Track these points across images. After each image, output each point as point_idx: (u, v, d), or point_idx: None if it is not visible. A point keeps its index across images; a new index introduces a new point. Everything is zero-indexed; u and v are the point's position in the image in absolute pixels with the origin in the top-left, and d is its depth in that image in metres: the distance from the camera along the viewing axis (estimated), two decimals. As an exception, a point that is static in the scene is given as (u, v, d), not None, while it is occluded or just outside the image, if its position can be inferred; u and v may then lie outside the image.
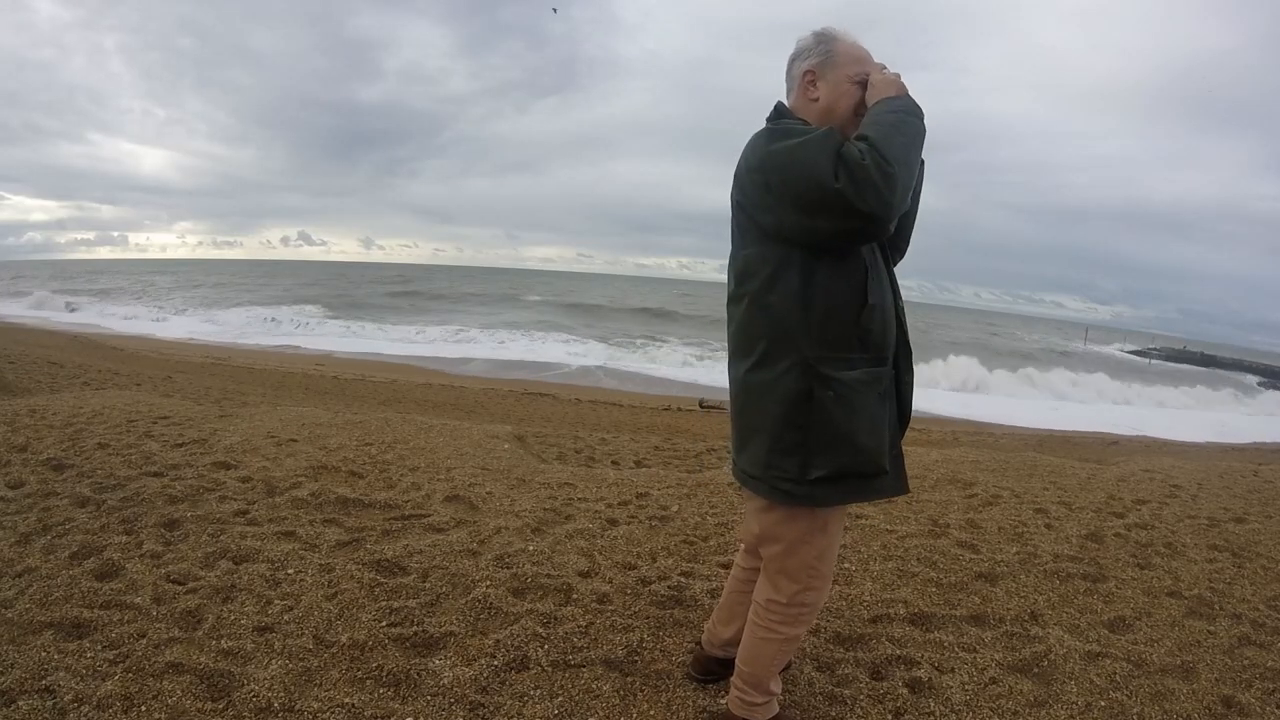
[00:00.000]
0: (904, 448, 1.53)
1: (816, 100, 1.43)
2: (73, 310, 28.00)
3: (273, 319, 26.39)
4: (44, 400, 4.93)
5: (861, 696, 1.84)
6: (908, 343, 1.50)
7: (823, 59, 1.43)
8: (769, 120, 1.45)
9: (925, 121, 1.33)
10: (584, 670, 1.88)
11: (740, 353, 1.45)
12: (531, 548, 2.66)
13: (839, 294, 1.35)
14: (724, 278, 1.51)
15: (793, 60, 1.48)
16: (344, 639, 1.94)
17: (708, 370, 18.73)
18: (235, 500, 2.96)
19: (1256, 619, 2.38)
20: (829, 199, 1.22)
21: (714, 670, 1.86)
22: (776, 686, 1.63)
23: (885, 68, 1.42)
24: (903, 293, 1.55)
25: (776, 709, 1.64)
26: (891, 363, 1.45)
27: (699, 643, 1.96)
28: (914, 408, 1.55)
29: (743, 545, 1.80)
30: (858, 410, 1.36)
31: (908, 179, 1.25)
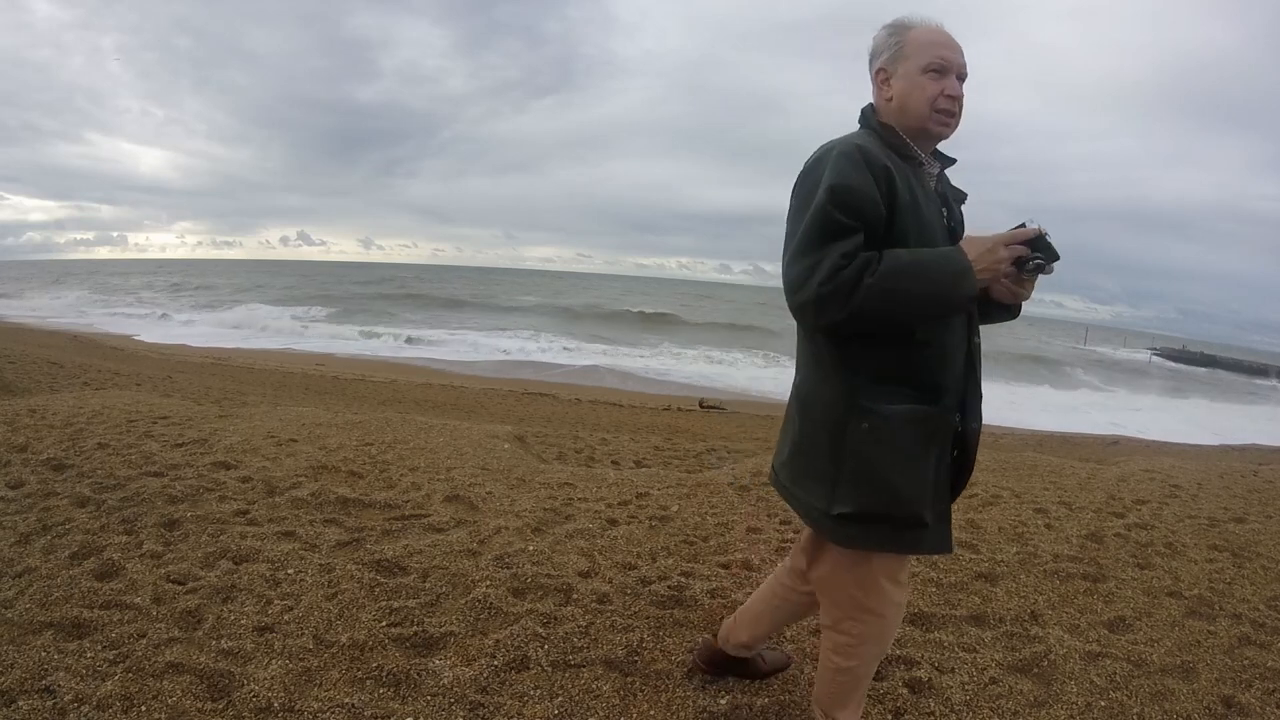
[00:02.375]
0: None
1: (891, 100, 1.33)
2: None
3: (273, 319, 26.39)
4: (44, 400, 4.93)
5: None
6: (978, 389, 1.38)
7: (893, 53, 1.33)
8: (859, 121, 1.38)
9: (951, 288, 1.21)
10: (584, 670, 1.88)
11: (797, 362, 1.44)
12: (531, 548, 2.66)
13: (891, 336, 1.28)
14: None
15: (869, 60, 1.38)
16: (344, 639, 1.94)
17: (708, 370, 18.73)
18: (235, 500, 2.96)
19: (1256, 619, 2.38)
20: (793, 266, 1.22)
21: (719, 664, 1.84)
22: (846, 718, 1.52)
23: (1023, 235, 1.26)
24: None
25: None
26: (953, 407, 1.31)
27: (713, 633, 1.92)
28: None
29: (790, 558, 1.68)
30: (895, 449, 1.25)
31: (856, 321, 1.19)
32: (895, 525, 1.28)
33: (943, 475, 1.31)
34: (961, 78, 1.30)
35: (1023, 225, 1.25)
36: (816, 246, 1.19)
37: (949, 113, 1.30)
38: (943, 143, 1.38)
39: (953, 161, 1.40)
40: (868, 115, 1.37)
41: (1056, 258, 1.24)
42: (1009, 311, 1.44)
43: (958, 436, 1.34)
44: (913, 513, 1.27)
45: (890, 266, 1.17)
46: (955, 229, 1.36)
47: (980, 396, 1.39)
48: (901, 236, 1.23)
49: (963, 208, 1.46)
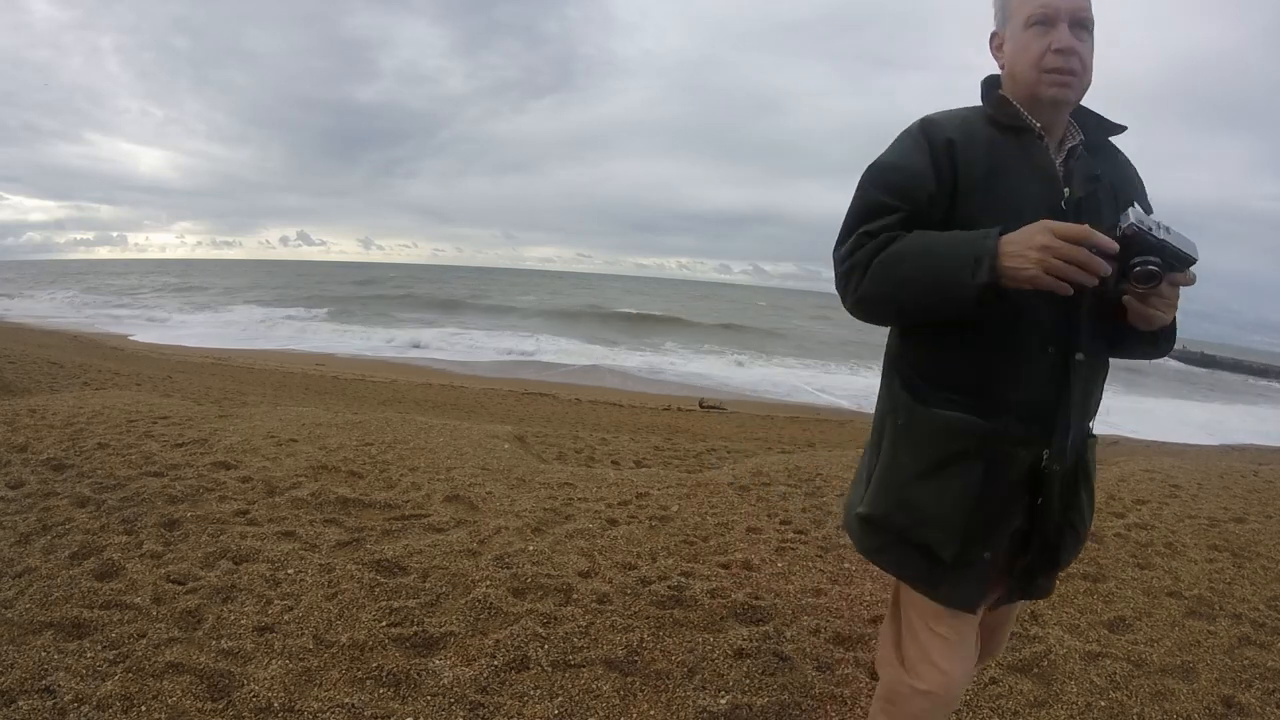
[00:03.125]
0: None
1: (1004, 67, 1.15)
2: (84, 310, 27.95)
3: (273, 320, 26.39)
4: (44, 400, 4.92)
5: (862, 696, 1.84)
6: (1079, 419, 1.09)
7: (1001, 12, 1.15)
8: (982, 91, 1.18)
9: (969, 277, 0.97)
10: (584, 670, 1.88)
11: None
12: (531, 548, 2.66)
13: (939, 328, 1.11)
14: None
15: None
16: (344, 639, 1.94)
17: (708, 370, 18.73)
18: (235, 500, 2.96)
19: (1256, 619, 2.38)
20: (835, 250, 1.13)
21: None
22: None
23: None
24: None
25: None
26: (1017, 430, 1.07)
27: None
28: None
29: None
30: (916, 455, 1.10)
31: (868, 307, 1.08)
32: (908, 545, 1.12)
33: (984, 510, 1.07)
34: (1079, 25, 1.05)
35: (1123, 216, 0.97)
36: (849, 227, 1.11)
37: (1062, 71, 1.05)
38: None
39: (1117, 129, 1.16)
40: (984, 87, 1.18)
41: (1185, 259, 0.96)
42: (1150, 342, 1.14)
43: (1033, 473, 1.08)
44: (924, 537, 1.09)
45: (899, 247, 1.03)
46: (1083, 212, 1.05)
47: (1081, 431, 1.10)
48: (967, 218, 1.05)
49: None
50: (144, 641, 1.85)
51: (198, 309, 30.17)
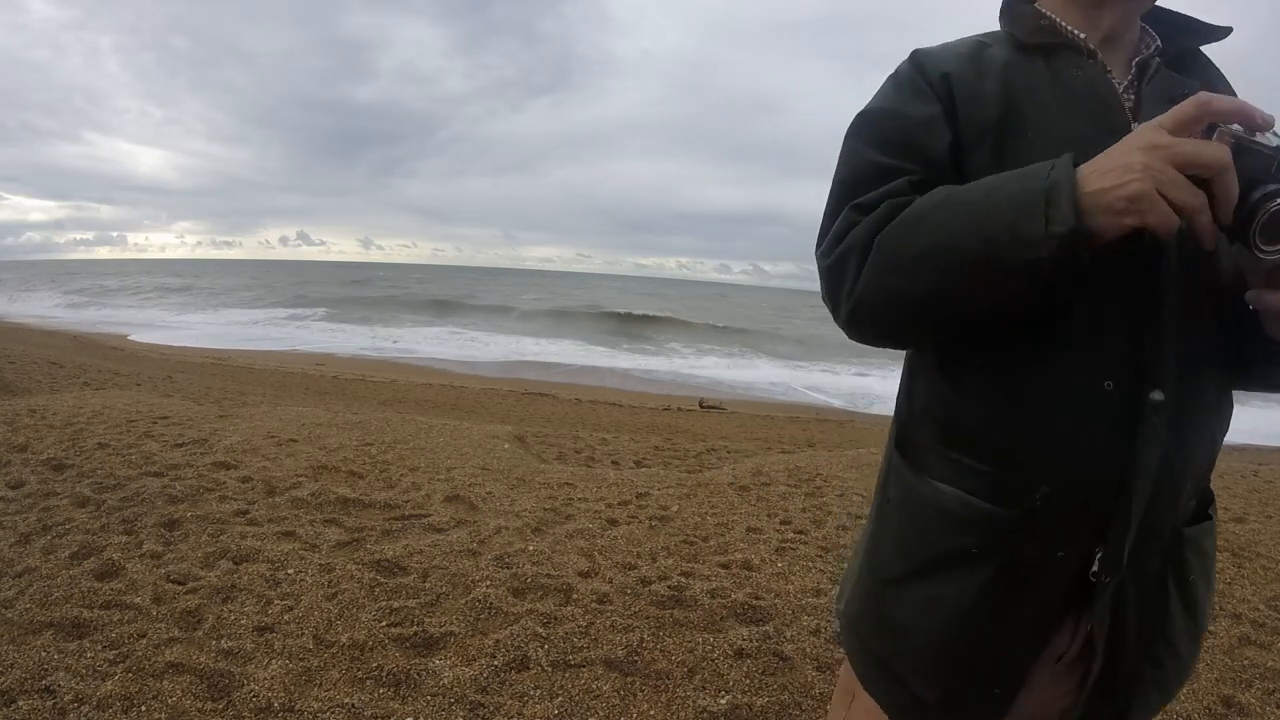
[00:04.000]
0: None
1: None
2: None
3: (273, 320, 26.41)
4: (44, 400, 4.93)
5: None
6: (1167, 505, 0.68)
7: None
8: (1002, 5, 0.80)
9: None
10: (584, 670, 1.88)
11: None
12: (531, 548, 2.66)
13: (946, 351, 0.74)
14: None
15: None
16: (344, 639, 1.94)
17: (708, 370, 18.74)
18: (235, 500, 2.96)
19: (1256, 619, 2.38)
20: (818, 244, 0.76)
21: None
22: None
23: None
24: None
25: None
26: (1059, 513, 0.67)
27: None
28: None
29: None
30: (903, 551, 0.76)
31: (882, 305, 0.68)
32: (884, 666, 0.79)
33: (988, 639, 0.71)
34: None
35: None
36: (833, 208, 0.74)
37: None
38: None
39: (1218, 33, 0.75)
40: (1004, 6, 0.80)
41: None
42: (1275, 360, 0.68)
43: (1081, 584, 0.69)
44: (899, 669, 0.76)
45: (913, 211, 0.66)
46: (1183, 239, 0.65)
47: (1171, 513, 0.69)
48: (979, 173, 0.67)
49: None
50: (144, 641, 1.85)
51: (197, 309, 30.18)
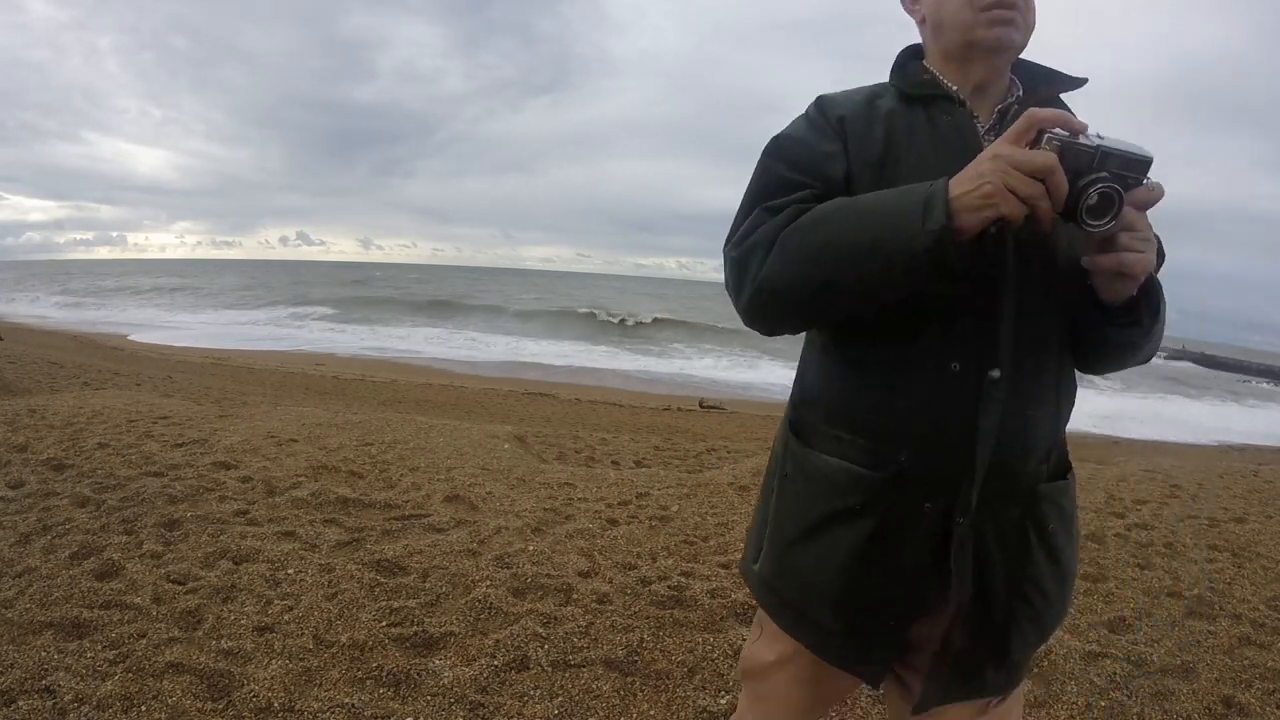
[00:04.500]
0: None
1: (924, 20, 0.94)
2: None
3: (273, 319, 26.41)
4: (44, 400, 4.92)
5: (861, 696, 1.84)
6: (1011, 468, 0.82)
7: None
8: (894, 63, 0.96)
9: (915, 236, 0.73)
10: (584, 670, 1.88)
11: None
12: (531, 548, 2.66)
13: (822, 341, 0.92)
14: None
15: None
16: (344, 639, 1.94)
17: (708, 370, 18.74)
18: (235, 500, 2.96)
19: (1256, 619, 2.38)
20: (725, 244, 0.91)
21: None
22: None
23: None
24: None
25: None
26: (914, 474, 0.83)
27: None
28: None
29: None
30: (798, 514, 0.91)
31: (781, 291, 0.81)
32: (798, 611, 0.93)
33: (877, 581, 0.86)
34: None
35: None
36: (745, 209, 0.89)
37: (1004, 6, 0.83)
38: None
39: (1074, 83, 0.91)
40: (898, 59, 0.97)
41: (1139, 160, 0.71)
42: (1128, 328, 0.82)
43: (936, 534, 0.84)
44: (804, 604, 0.91)
45: (815, 212, 0.81)
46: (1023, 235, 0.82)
47: (1017, 475, 0.84)
48: None
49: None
50: (144, 641, 1.85)
51: (197, 309, 30.17)
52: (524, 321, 30.20)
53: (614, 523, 3.04)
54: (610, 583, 2.40)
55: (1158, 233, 0.79)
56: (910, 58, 0.96)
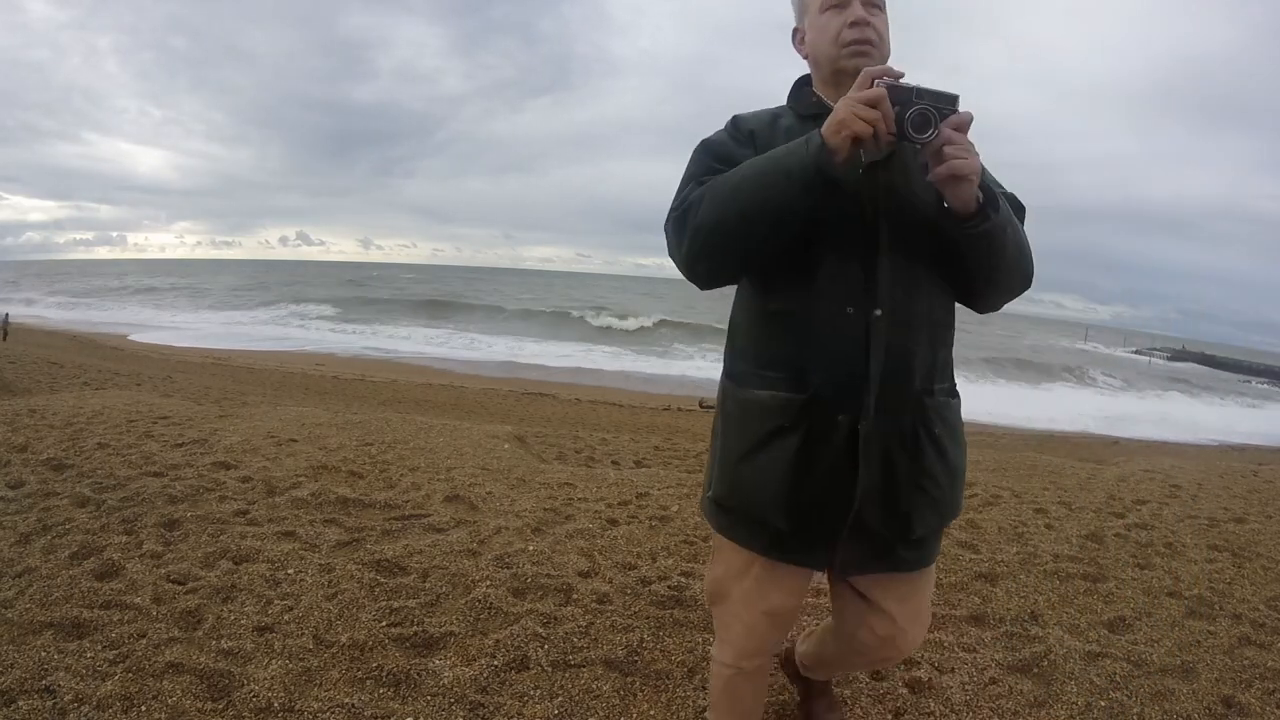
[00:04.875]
0: None
1: (807, 56, 1.22)
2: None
3: (273, 319, 26.40)
4: (44, 400, 4.93)
5: (861, 696, 1.84)
6: (900, 388, 1.08)
7: (799, 8, 1.23)
8: (790, 91, 1.25)
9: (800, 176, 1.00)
10: (584, 670, 1.88)
11: None
12: (531, 548, 2.66)
13: (748, 291, 1.18)
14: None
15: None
16: (344, 639, 1.94)
17: (709, 370, 18.73)
18: (235, 500, 2.96)
19: (1256, 619, 2.38)
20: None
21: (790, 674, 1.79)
22: None
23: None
24: None
25: None
26: (828, 397, 1.07)
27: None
28: None
29: None
30: (741, 438, 1.14)
31: (712, 231, 1.06)
32: (751, 521, 1.16)
33: (808, 480, 1.09)
34: (870, 3, 1.13)
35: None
36: (680, 188, 1.15)
37: (860, 42, 1.11)
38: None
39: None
40: (792, 87, 1.25)
41: (947, 96, 0.98)
42: (971, 232, 1.03)
43: (848, 439, 1.07)
44: (757, 512, 1.13)
45: (730, 171, 1.08)
46: (878, 179, 1.08)
47: (905, 393, 1.09)
48: None
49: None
50: (144, 641, 1.85)
51: (197, 309, 30.16)
52: (524, 321, 30.19)
53: (614, 523, 3.04)
54: (610, 583, 2.40)
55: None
56: (802, 85, 1.24)
